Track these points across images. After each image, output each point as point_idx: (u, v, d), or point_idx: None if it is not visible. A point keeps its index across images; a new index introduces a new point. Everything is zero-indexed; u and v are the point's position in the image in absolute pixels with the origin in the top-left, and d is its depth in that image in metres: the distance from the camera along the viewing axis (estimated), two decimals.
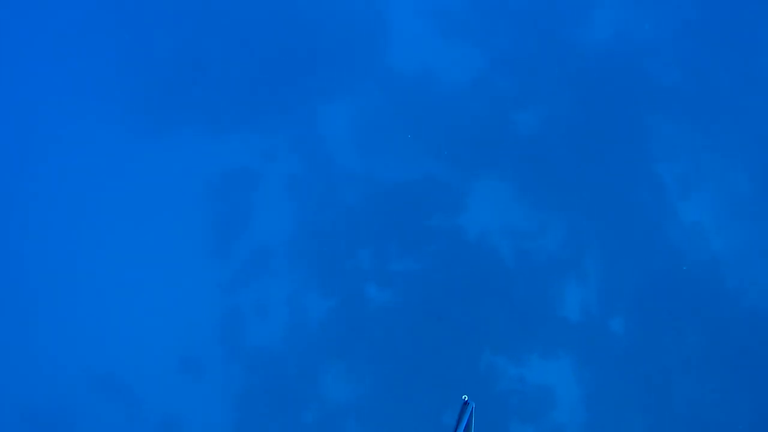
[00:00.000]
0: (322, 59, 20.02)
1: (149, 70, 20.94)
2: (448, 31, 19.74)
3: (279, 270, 17.90)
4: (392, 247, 17.20)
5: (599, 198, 17.18)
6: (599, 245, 16.91)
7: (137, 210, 19.53)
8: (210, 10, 20.99)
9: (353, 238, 17.49)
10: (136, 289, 18.82)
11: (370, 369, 16.38)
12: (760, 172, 17.55)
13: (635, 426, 15.75)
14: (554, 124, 18.09)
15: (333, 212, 18.02)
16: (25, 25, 21.95)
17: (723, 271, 16.93)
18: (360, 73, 19.72)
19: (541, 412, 15.76)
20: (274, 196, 18.72)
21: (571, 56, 19.03)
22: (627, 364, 15.96)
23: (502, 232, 17.16)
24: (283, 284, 17.75)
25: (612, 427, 15.68)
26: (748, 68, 18.84)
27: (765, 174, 17.56)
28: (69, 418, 18.79)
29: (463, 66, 19.24)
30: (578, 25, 19.42)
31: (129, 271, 18.98)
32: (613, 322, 16.21)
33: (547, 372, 15.96)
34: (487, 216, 17.29)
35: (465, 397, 4.03)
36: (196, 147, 19.58)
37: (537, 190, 17.42)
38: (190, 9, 21.10)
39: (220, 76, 20.41)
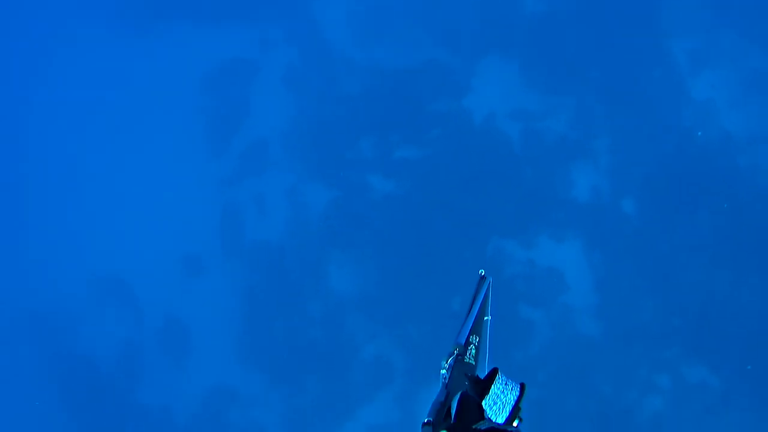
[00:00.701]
0: None
1: None
2: None
3: (278, 162, 17.18)
4: (395, 135, 16.38)
5: (608, 76, 16.25)
6: (609, 125, 16.05)
7: (132, 108, 18.74)
8: None
9: (354, 127, 16.68)
10: (135, 189, 18.30)
11: (376, 260, 15.82)
12: None
13: (645, 308, 15.23)
14: (561, 0, 16.92)
15: (332, 102, 17.15)
16: None
17: (736, 149, 16.10)
18: None
19: (551, 296, 15.24)
20: (271, 87, 17.87)
21: None
22: (637, 245, 15.31)
23: (509, 114, 16.30)
24: (283, 177, 17.06)
25: (622, 310, 15.17)
26: None
27: None
28: (74, 321, 18.43)
29: None
30: None
31: (126, 171, 18.31)
32: (624, 203, 15.50)
33: (556, 255, 15.35)
34: (492, 98, 16.40)
35: (482, 272, 3.69)
36: (190, 40, 18.66)
37: (544, 70, 16.48)
38: None
39: None
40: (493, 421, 2.01)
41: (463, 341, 2.92)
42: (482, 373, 2.65)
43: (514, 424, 2.32)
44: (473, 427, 1.93)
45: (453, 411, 2.09)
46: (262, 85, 17.82)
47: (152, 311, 18.00)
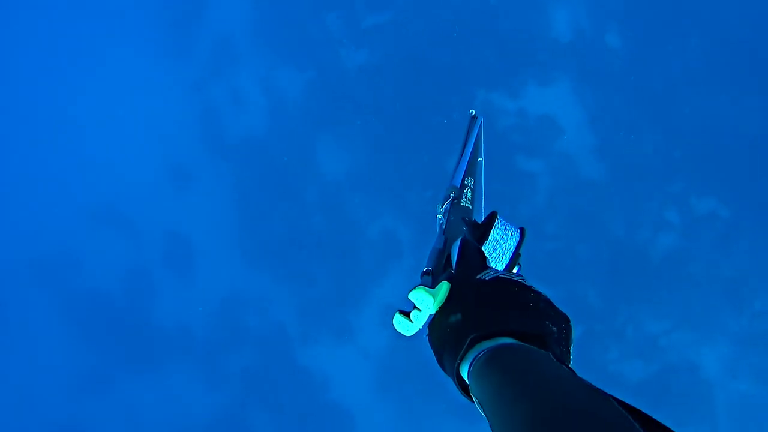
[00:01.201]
0: None
1: None
2: None
3: (246, 54, 16.38)
4: (359, 3, 15.35)
5: None
6: None
7: (85, 23, 17.58)
8: None
9: (316, 3, 15.61)
10: (104, 108, 17.35)
11: (363, 135, 15.23)
12: None
13: (645, 143, 14.60)
14: None
15: None
16: None
17: None
18: None
19: (548, 143, 14.61)
20: None
21: None
22: (628, 79, 14.55)
23: None
24: (253, 68, 16.35)
25: (622, 148, 14.50)
26: None
27: None
28: (76, 258, 18.04)
29: None
30: None
31: (92, 92, 17.42)
32: (608, 36, 14.72)
33: (546, 100, 14.68)
34: None
35: (472, 112, 2.99)
36: None
37: None
38: None
39: None
40: (497, 269, 1.68)
41: (459, 184, 2.60)
42: (479, 216, 2.44)
43: (514, 270, 2.12)
44: (477, 277, 1.60)
45: (453, 258, 1.81)
46: None
47: (150, 232, 17.59)
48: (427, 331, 1.58)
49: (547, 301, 1.43)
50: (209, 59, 16.83)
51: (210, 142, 16.66)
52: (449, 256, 1.88)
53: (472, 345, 1.37)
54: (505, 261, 2.09)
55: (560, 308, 1.43)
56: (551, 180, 14.68)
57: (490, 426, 1.13)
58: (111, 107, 17.56)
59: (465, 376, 1.37)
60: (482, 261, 1.68)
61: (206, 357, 17.60)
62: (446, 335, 1.45)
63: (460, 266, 1.68)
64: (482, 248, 2.03)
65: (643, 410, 1.03)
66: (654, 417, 0.98)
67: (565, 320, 1.41)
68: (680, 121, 14.88)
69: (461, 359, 1.38)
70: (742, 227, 14.63)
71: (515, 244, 2.12)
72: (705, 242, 14.90)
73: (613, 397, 1.02)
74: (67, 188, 18.22)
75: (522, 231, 2.17)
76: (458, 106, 15.06)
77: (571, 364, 1.36)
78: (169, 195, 17.32)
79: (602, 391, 1.05)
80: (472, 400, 1.33)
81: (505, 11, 15.24)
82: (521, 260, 2.13)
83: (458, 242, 1.82)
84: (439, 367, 1.57)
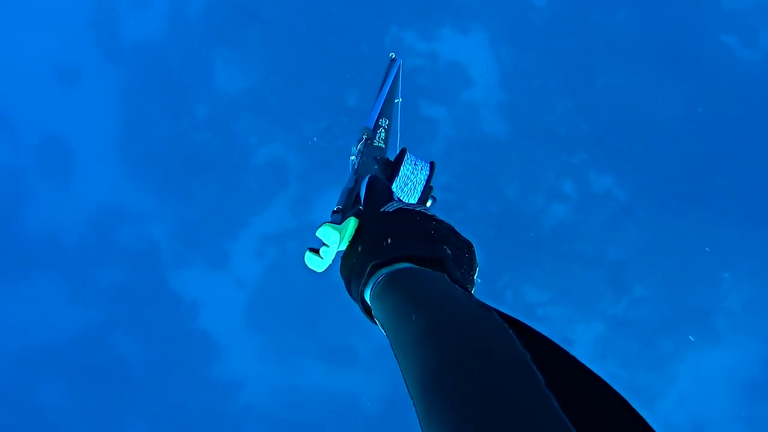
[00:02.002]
0: None
1: None
2: None
3: None
4: None
5: None
6: None
7: None
8: None
9: None
10: None
11: (265, 54, 14.23)
12: None
13: (554, 110, 14.11)
14: None
15: None
16: None
17: None
18: None
19: (454, 91, 13.92)
20: None
21: None
22: (548, 41, 14.00)
23: None
24: None
25: (529, 109, 13.96)
26: None
27: None
28: None
29: None
30: None
31: None
32: None
33: (460, 48, 13.95)
34: None
35: (392, 54, 3.13)
36: None
37: None
38: None
39: None
40: (402, 200, 1.74)
41: (372, 125, 2.56)
42: (393, 156, 2.40)
43: (427, 204, 2.24)
44: (381, 210, 1.63)
45: (361, 195, 1.79)
46: None
47: (28, 130, 16.19)
48: (339, 265, 1.65)
49: (450, 228, 1.56)
50: None
51: (102, 41, 15.41)
52: (359, 195, 1.89)
53: (373, 272, 1.46)
54: (417, 195, 2.19)
55: (464, 235, 1.56)
56: (452, 130, 14.02)
57: (391, 345, 1.24)
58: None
59: (368, 300, 1.46)
60: (389, 194, 1.72)
61: (74, 269, 16.48)
62: (352, 265, 1.55)
63: (367, 201, 1.73)
64: (393, 184, 2.14)
65: (524, 321, 1.11)
66: (531, 326, 1.09)
67: (467, 245, 1.54)
68: (593, 94, 14.42)
69: (364, 285, 1.48)
70: (634, 212, 14.35)
71: (425, 177, 2.22)
72: (596, 221, 14.56)
73: (497, 311, 1.13)
74: None
75: (432, 165, 2.27)
76: (368, 38, 14.18)
77: (475, 289, 1.53)
78: (51, 94, 15.98)
79: (487, 305, 1.15)
80: (375, 323, 1.41)
81: None
82: (435, 193, 2.20)
83: (366, 179, 1.82)
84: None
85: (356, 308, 1.53)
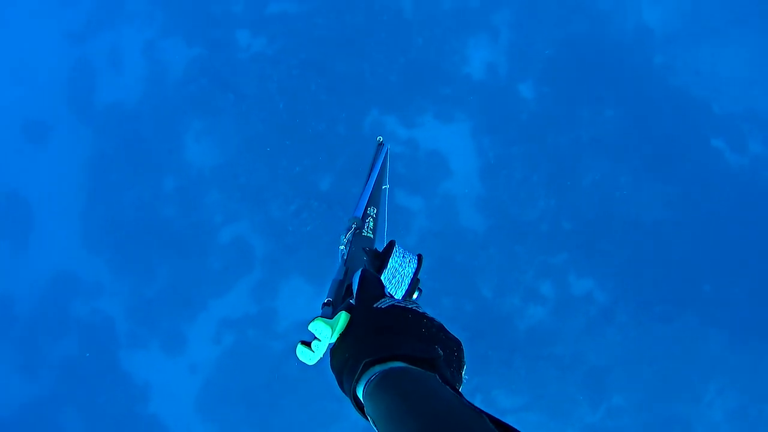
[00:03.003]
0: None
1: None
2: None
3: (136, 13, 14.53)
4: None
5: None
6: (514, 1, 13.80)
7: None
8: None
9: None
10: None
11: (239, 129, 13.59)
12: None
13: (535, 206, 13.42)
14: None
15: None
16: None
17: (652, 43, 14.25)
18: None
19: (432, 182, 13.16)
20: None
21: None
22: (532, 135, 13.47)
23: None
24: (140, 30, 14.66)
25: (510, 205, 13.23)
26: None
27: None
28: None
29: None
30: None
31: None
32: (523, 86, 13.54)
33: (441, 136, 13.38)
34: None
35: (379, 138, 3.05)
36: None
37: None
38: None
39: None
40: (393, 296, 1.79)
41: (361, 214, 2.58)
42: (382, 242, 2.44)
43: (414, 296, 2.29)
44: (374, 306, 1.68)
45: (354, 289, 1.79)
46: None
47: None
48: (329, 359, 1.65)
49: (440, 327, 1.62)
50: (95, 9, 14.87)
51: (75, 100, 14.69)
52: (350, 287, 1.91)
53: (366, 369, 1.50)
54: (405, 287, 2.22)
55: (453, 333, 1.61)
56: (427, 222, 13.25)
57: None
58: None
59: (361, 397, 1.49)
60: (381, 290, 1.75)
61: (25, 338, 15.37)
62: (344, 360, 1.58)
63: (359, 296, 1.74)
64: (382, 276, 2.17)
65: (514, 426, 1.22)
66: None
67: (456, 344, 1.60)
68: (578, 192, 13.78)
69: (356, 382, 1.51)
70: (615, 316, 13.52)
71: (413, 270, 2.28)
72: (575, 324, 13.73)
73: (487, 415, 1.22)
74: None
75: (419, 258, 2.36)
76: (347, 120, 13.55)
77: (462, 386, 1.54)
78: (17, 148, 15.13)
79: (479, 409, 1.26)
80: (368, 419, 1.43)
81: (421, 31, 13.86)
82: (422, 285, 2.26)
83: (358, 273, 1.83)
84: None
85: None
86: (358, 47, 13.85)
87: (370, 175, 2.79)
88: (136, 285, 14.77)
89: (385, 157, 2.97)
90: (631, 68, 14.58)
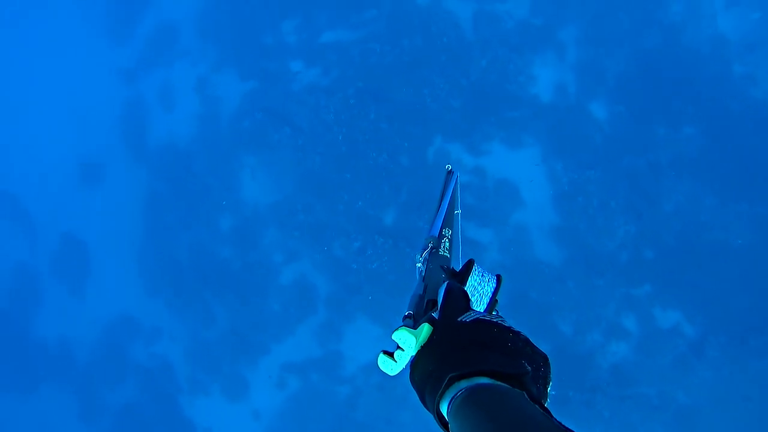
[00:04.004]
0: None
1: None
2: None
3: (188, 50, 14.25)
4: (322, 15, 13.37)
5: None
6: (579, 13, 13.01)
7: None
8: None
9: (275, 6, 13.42)
10: (23, 85, 14.99)
11: (295, 163, 12.90)
12: None
13: (614, 234, 12.33)
14: None
15: None
16: None
17: (730, 53, 13.11)
18: None
19: (503, 213, 12.26)
20: None
21: None
22: (607, 157, 12.44)
23: None
24: (192, 65, 14.25)
25: (587, 234, 12.21)
26: None
27: None
28: None
29: None
30: None
31: (11, 64, 15.03)
32: (595, 105, 12.56)
33: (510, 163, 12.49)
34: None
35: (448, 167, 3.10)
36: None
37: None
38: None
39: None
40: (478, 311, 1.75)
41: (437, 233, 2.67)
42: (457, 265, 2.48)
43: (492, 314, 2.07)
44: (458, 319, 1.65)
45: (439, 301, 1.77)
46: None
47: (46, 229, 15.26)
48: (409, 371, 1.60)
49: (526, 341, 1.56)
50: (146, 47, 14.61)
51: (128, 139, 14.32)
52: (429, 301, 2.00)
53: (450, 384, 1.48)
54: (483, 306, 2.25)
55: (538, 347, 1.54)
56: (499, 255, 12.36)
57: None
58: (27, 83, 15.20)
59: (445, 413, 1.46)
60: (466, 303, 1.74)
61: (84, 384, 15.13)
62: (427, 374, 1.55)
63: (444, 309, 1.72)
64: None
65: None
66: None
67: (543, 359, 1.53)
68: (659, 217, 12.72)
69: (440, 397, 1.48)
70: (706, 351, 12.38)
71: (492, 290, 2.31)
72: (662, 361, 12.62)
73: None
74: None
75: (498, 278, 2.36)
76: (409, 150, 12.78)
77: (548, 402, 1.47)
78: (73, 191, 14.96)
79: (570, 429, 1.21)
80: None
81: (484, 52, 13.07)
82: (498, 306, 2.24)
83: (443, 286, 1.81)
84: None
85: None
86: (417, 72, 13.11)
87: (441, 199, 2.81)
88: (195, 328, 14.25)
89: (455, 183, 2.97)
90: (709, 81, 13.47)
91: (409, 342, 1.58)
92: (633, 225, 13.06)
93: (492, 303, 2.24)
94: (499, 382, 1.39)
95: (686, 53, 13.55)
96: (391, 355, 1.62)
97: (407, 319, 1.87)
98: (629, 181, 13.16)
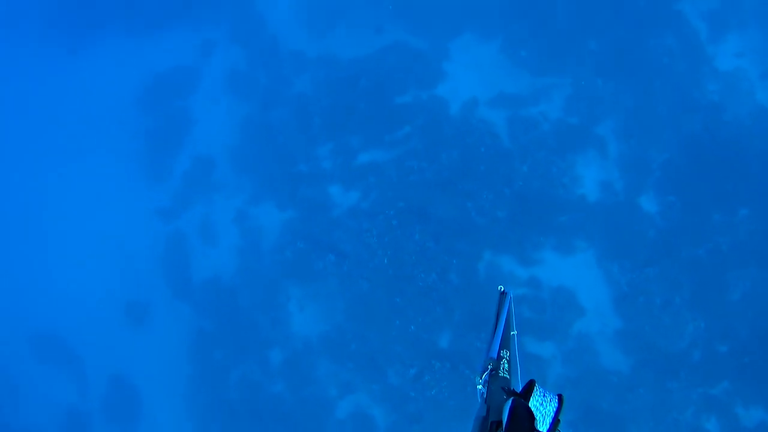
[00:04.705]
0: None
1: None
2: None
3: (225, 183, 14.31)
4: (357, 137, 13.33)
5: (610, 47, 13.01)
6: (616, 105, 12.80)
7: (60, 135, 15.74)
8: None
9: (309, 133, 13.51)
10: (66, 229, 15.23)
11: (342, 291, 12.55)
12: None
13: (683, 332, 11.73)
14: None
15: (283, 106, 14.19)
16: None
17: None
18: None
19: (562, 323, 11.80)
20: (213, 96, 15.11)
21: None
22: (666, 250, 11.81)
23: (493, 101, 13.22)
24: (230, 200, 14.15)
25: (654, 336, 11.63)
26: None
27: None
28: (12, 390, 15.31)
29: None
30: None
31: (55, 210, 15.19)
32: (644, 199, 12.22)
33: (565, 271, 12.13)
34: (471, 83, 13.36)
35: (501, 287, 3.31)
36: (120, 51, 15.74)
37: (531, 44, 13.31)
38: None
39: None
40: (540, 430, 2.00)
41: (495, 356, 2.84)
42: (517, 386, 2.63)
43: None
44: None
45: (504, 421, 2.03)
46: (203, 93, 14.90)
47: (95, 371, 14.91)
48: None
49: None
50: (184, 183, 14.64)
51: (171, 277, 14.13)
52: (493, 423, 2.10)
53: None
54: (546, 427, 2.31)
55: None
56: (563, 368, 11.77)
57: None
58: (69, 224, 15.30)
59: None
60: (531, 423, 1.93)
61: None
62: None
63: (509, 426, 1.88)
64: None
65: None
66: None
67: None
68: (728, 308, 12.04)
69: None
70: None
71: (554, 410, 2.40)
72: None
73: None
74: (9, 310, 15.66)
75: (560, 398, 2.45)
76: (458, 267, 12.37)
77: None
78: (120, 332, 14.82)
79: None
80: None
81: (523, 158, 12.81)
82: (561, 426, 2.30)
83: (508, 403, 2.00)
84: None
85: None
86: (458, 186, 12.84)
87: (497, 321, 2.90)
88: None
89: (510, 304, 3.06)
90: (757, 155, 12.96)
91: None
92: (702, 320, 12.40)
93: (554, 423, 2.26)
94: None
95: (729, 131, 13.13)
96: None
97: None
98: (691, 274, 12.56)
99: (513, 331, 3.16)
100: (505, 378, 2.66)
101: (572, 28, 13.63)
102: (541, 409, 2.32)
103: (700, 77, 13.28)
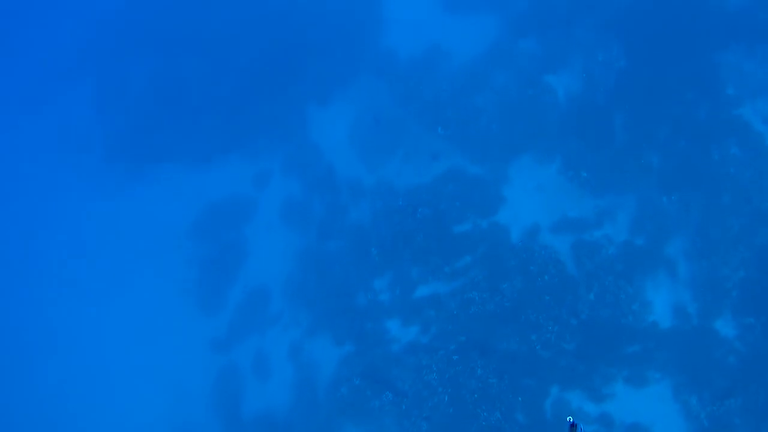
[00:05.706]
0: (306, 59, 16.14)
1: (120, 108, 17.47)
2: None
3: (279, 315, 14.13)
4: (416, 269, 13.08)
5: (673, 164, 12.60)
6: (685, 223, 12.32)
7: (116, 264, 15.92)
8: (173, 31, 17.48)
9: (366, 265, 13.47)
10: (118, 357, 15.13)
11: (401, 430, 11.95)
12: None
13: None
14: (599, 81, 13.58)
15: (339, 237, 14.15)
16: None
17: None
18: (354, 64, 15.69)
19: None
20: (268, 226, 15.10)
21: None
22: (748, 378, 11.08)
23: (554, 226, 12.96)
24: (285, 333, 14.02)
25: None
26: None
27: None
28: None
29: (475, 34, 14.94)
30: None
31: (107, 337, 15.26)
32: (721, 322, 11.66)
33: (638, 405, 11.41)
34: (531, 209, 13.01)
35: (570, 419, 3.93)
36: (177, 180, 15.98)
37: (591, 162, 12.94)
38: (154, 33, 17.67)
39: (196, 99, 16.70)
40: None
41: None
42: None
43: None
44: None
45: None
46: (259, 223, 14.94)
47: None
48: None
49: None
50: (239, 314, 14.51)
51: (222, 410, 13.86)
52: None
53: None
54: None
55: None
56: None
57: None
58: (120, 352, 15.25)
59: None
60: None
61: None
62: None
63: None
64: None
65: None
66: None
67: None
68: None
69: None
70: None
71: None
72: None
73: None
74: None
75: None
76: (524, 404, 11.83)
77: None
78: None
79: None
80: None
81: (589, 285, 12.54)
82: None
83: None
84: None
85: None
86: (522, 317, 12.39)
87: None
88: None
89: None
90: None
91: None
92: None
93: None
94: None
95: None
96: None
97: None
98: None
99: None
100: None
101: (632, 144, 13.33)
102: None
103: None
